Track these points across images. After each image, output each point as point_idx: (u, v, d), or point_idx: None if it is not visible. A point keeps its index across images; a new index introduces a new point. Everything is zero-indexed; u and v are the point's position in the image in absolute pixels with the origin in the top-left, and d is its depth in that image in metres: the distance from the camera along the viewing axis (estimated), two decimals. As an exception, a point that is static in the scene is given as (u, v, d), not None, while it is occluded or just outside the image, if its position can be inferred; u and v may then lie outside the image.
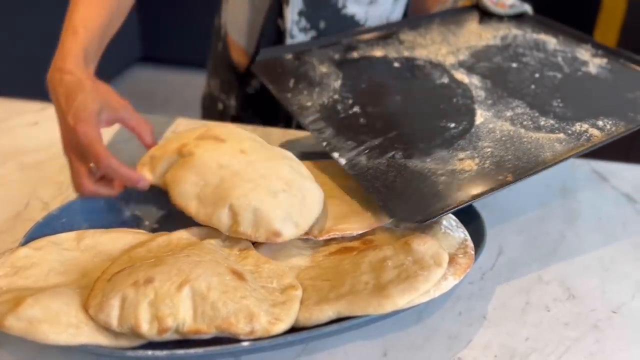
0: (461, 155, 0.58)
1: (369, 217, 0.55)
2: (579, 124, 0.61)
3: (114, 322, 0.43)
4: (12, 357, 0.46)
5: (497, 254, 0.60)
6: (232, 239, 0.54)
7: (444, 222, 0.55)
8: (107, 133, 0.82)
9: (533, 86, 0.68)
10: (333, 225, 0.54)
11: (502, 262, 0.59)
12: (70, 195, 0.66)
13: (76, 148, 0.56)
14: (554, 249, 0.61)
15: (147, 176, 0.56)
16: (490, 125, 0.62)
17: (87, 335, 0.43)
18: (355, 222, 0.54)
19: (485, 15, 0.85)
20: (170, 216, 0.60)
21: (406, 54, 0.78)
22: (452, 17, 0.86)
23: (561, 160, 0.56)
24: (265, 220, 0.51)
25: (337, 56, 0.77)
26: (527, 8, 0.85)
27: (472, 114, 0.64)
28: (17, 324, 0.42)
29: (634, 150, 1.86)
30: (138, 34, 3.45)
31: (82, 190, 0.56)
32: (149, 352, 0.42)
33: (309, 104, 0.68)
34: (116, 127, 0.84)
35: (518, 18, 0.84)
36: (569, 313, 0.52)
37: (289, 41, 0.84)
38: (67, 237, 0.54)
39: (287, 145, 0.77)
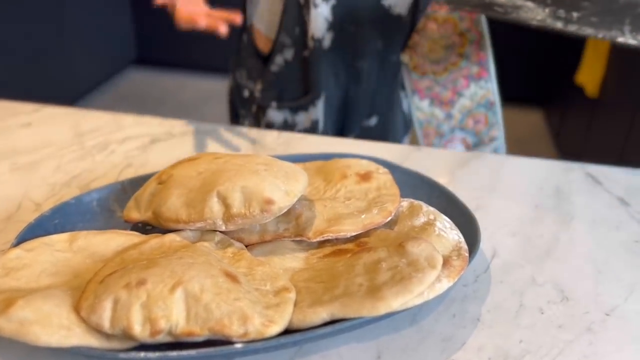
0: None
1: (362, 219, 0.55)
2: None
3: (106, 324, 0.42)
4: (2, 358, 0.46)
5: (491, 256, 0.60)
6: (225, 241, 0.53)
7: (438, 224, 0.55)
8: (102, 135, 0.82)
9: None
10: (326, 227, 0.54)
11: (496, 265, 0.59)
12: (63, 196, 0.66)
13: None
14: (547, 252, 0.61)
15: (134, 216, 0.57)
16: None
17: (78, 337, 0.42)
18: (349, 224, 0.54)
19: None
20: (164, 218, 0.60)
21: None
22: None
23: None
24: (255, 193, 0.51)
25: None
26: None
27: None
28: (8, 325, 0.41)
29: (627, 154, 1.87)
30: (133, 36, 3.45)
31: None
32: (141, 354, 0.42)
33: None
34: (111, 129, 0.84)
35: None
36: (562, 315, 0.52)
37: (313, 12, 0.92)
38: (59, 239, 0.53)
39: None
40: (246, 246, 0.54)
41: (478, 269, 0.58)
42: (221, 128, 0.86)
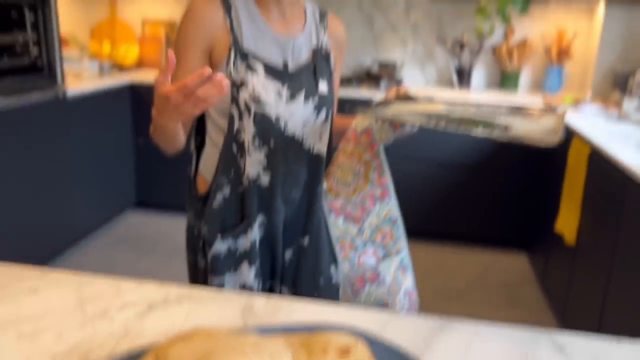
0: None
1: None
2: None
3: None
4: None
5: None
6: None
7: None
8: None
9: None
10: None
11: None
12: (63, 367, 0.70)
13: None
14: None
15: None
16: None
17: None
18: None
19: None
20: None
21: None
22: None
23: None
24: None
25: None
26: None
27: None
28: None
29: (608, 301, 1.92)
30: (134, 182, 3.62)
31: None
32: None
33: None
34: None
35: None
36: None
37: (247, 158, 1.16)
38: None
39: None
40: None
41: None
42: (213, 293, 0.92)
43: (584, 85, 3.43)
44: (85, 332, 0.80)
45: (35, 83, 2.60)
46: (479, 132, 1.02)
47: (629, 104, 2.60)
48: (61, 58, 2.75)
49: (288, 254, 1.27)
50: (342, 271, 1.28)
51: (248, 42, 1.14)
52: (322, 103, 1.21)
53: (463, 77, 3.49)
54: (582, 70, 3.49)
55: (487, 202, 3.26)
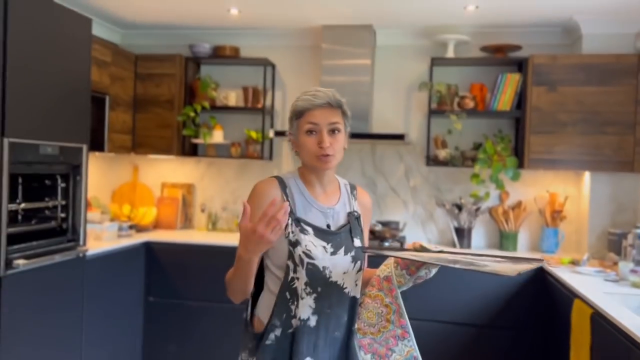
0: None
1: None
2: None
3: None
4: None
5: None
6: None
7: None
8: None
9: None
10: None
11: None
12: None
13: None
14: None
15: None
16: None
17: None
18: None
19: None
20: None
21: None
22: None
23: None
24: None
25: None
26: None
27: None
28: None
29: None
30: (141, 342, 3.61)
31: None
32: None
33: None
34: None
35: None
36: None
37: (300, 302, 1.45)
38: None
39: None
40: None
41: None
42: None
43: (581, 247, 3.57)
44: None
45: (59, 245, 2.75)
46: (474, 268, 1.40)
47: (624, 266, 2.71)
48: (85, 221, 2.93)
49: None
50: None
51: (300, 212, 1.49)
52: (357, 255, 1.52)
53: (463, 237, 3.65)
54: (577, 232, 3.66)
55: (497, 363, 3.22)
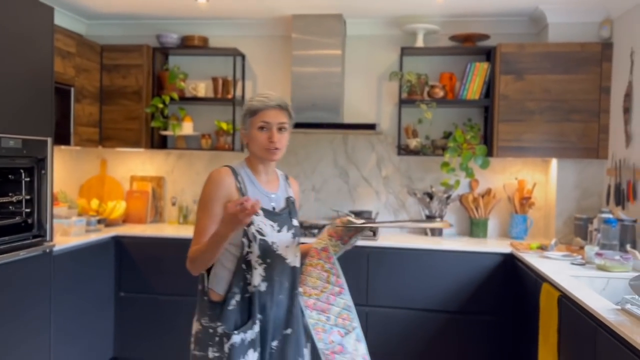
0: None
1: None
2: None
3: None
4: None
5: None
6: None
7: None
8: None
9: None
10: None
11: None
12: None
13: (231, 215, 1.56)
14: None
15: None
16: None
17: None
18: None
19: None
20: None
21: None
22: None
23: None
24: None
25: None
26: None
27: None
28: None
29: None
30: (112, 337, 3.56)
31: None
32: None
33: None
34: None
35: None
36: None
37: (253, 271, 1.76)
38: None
39: None
40: None
41: None
42: None
43: (548, 232, 3.65)
44: None
45: (25, 241, 2.68)
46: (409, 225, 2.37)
47: (590, 250, 2.78)
48: (52, 216, 2.86)
49: (274, 343, 1.81)
50: (319, 348, 1.81)
51: (251, 196, 1.75)
52: (296, 232, 1.88)
53: (435, 225, 3.69)
54: (545, 218, 3.74)
55: (466, 347, 3.28)
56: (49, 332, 2.83)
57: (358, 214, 3.74)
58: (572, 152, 3.39)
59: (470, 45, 3.65)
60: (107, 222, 3.74)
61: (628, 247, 2.77)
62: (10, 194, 2.68)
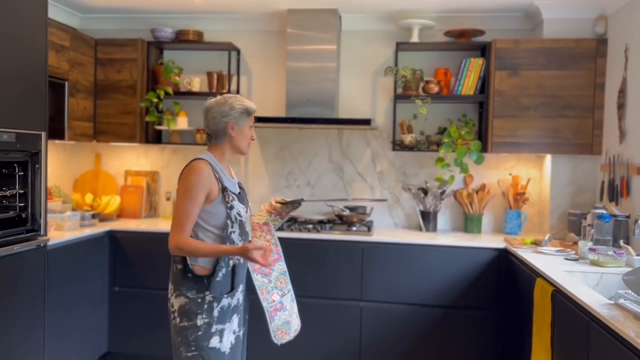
0: None
1: None
2: None
3: None
4: None
5: None
6: None
7: None
8: None
9: None
10: None
11: None
12: None
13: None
14: None
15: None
16: None
17: None
18: None
19: None
20: None
21: None
22: None
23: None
24: None
25: None
26: None
27: None
28: None
29: None
30: (106, 331, 3.56)
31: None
32: None
33: None
34: None
35: None
36: None
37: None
38: None
39: None
40: None
41: None
42: None
43: (542, 228, 3.66)
44: None
45: (19, 235, 2.67)
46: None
47: (583, 246, 2.79)
48: (46, 210, 2.85)
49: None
50: (264, 306, 2.17)
51: (225, 183, 2.10)
52: (251, 211, 2.24)
53: (429, 220, 3.70)
54: (539, 214, 3.75)
55: (460, 342, 3.29)
56: (42, 327, 2.82)
57: (352, 210, 3.75)
58: (566, 148, 3.41)
59: (466, 41, 3.65)
60: (101, 217, 3.73)
61: (621, 242, 2.79)
62: (4, 188, 2.67)
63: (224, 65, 3.95)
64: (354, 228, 3.54)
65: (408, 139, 3.69)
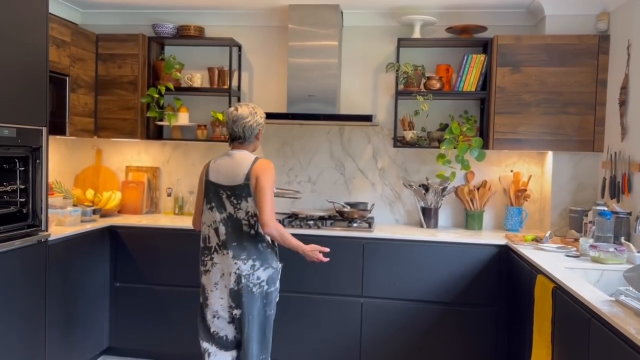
0: None
1: None
2: None
3: None
4: None
5: None
6: None
7: None
8: None
9: None
10: None
11: None
12: None
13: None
14: None
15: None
16: None
17: None
18: None
19: None
20: None
21: None
22: None
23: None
24: None
25: None
26: None
27: None
28: None
29: None
30: (107, 327, 3.56)
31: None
32: None
33: None
34: None
35: None
36: None
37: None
38: None
39: None
40: None
41: None
42: None
43: (543, 224, 3.66)
44: None
45: (20, 230, 2.67)
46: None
47: (584, 242, 2.79)
48: (47, 206, 2.85)
49: None
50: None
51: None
52: None
53: (430, 217, 3.70)
54: (540, 210, 3.75)
55: (461, 338, 3.29)
56: (43, 322, 2.83)
57: (353, 206, 3.75)
58: (568, 144, 3.40)
59: (467, 37, 3.64)
60: (102, 213, 3.73)
61: (622, 239, 2.79)
62: (5, 184, 2.67)
63: (225, 61, 3.94)
64: (355, 224, 3.53)
65: (409, 135, 3.69)
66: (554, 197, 3.54)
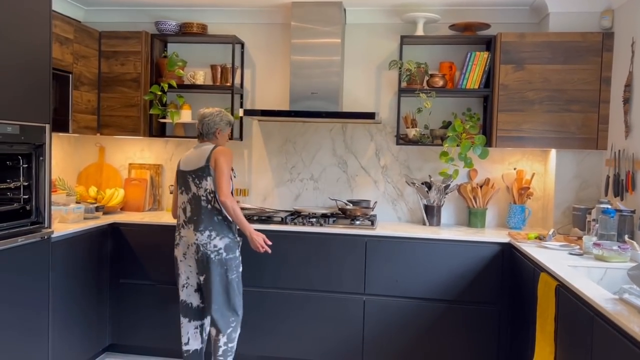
0: None
1: None
2: None
3: None
4: None
5: None
6: None
7: None
8: None
9: None
10: None
11: None
12: None
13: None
14: None
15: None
16: None
17: None
18: None
19: None
20: None
21: None
22: None
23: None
24: None
25: None
26: None
27: None
28: None
29: None
30: (110, 324, 3.57)
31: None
32: None
33: None
34: None
35: None
36: None
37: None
38: None
39: None
40: None
41: None
42: None
43: (546, 222, 3.65)
44: None
45: (23, 227, 2.68)
46: None
47: (588, 240, 2.78)
48: (50, 203, 2.86)
49: None
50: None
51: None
52: None
53: (433, 215, 3.69)
54: (543, 208, 3.74)
55: (463, 336, 3.29)
56: (47, 319, 2.83)
57: (356, 204, 3.74)
58: (571, 142, 3.39)
59: (471, 35, 3.63)
60: (105, 210, 3.73)
61: (626, 237, 2.78)
62: (8, 181, 2.68)
63: (228, 59, 3.94)
64: (358, 222, 3.53)
65: (412, 132, 3.68)
66: (557, 195, 3.53)
